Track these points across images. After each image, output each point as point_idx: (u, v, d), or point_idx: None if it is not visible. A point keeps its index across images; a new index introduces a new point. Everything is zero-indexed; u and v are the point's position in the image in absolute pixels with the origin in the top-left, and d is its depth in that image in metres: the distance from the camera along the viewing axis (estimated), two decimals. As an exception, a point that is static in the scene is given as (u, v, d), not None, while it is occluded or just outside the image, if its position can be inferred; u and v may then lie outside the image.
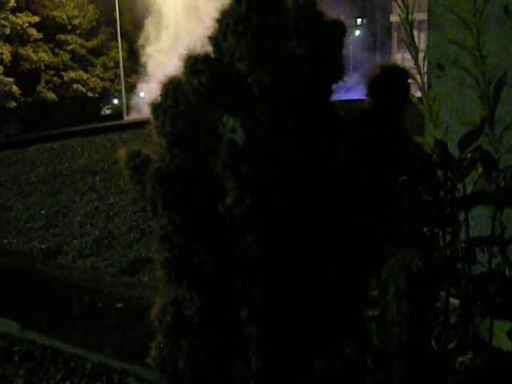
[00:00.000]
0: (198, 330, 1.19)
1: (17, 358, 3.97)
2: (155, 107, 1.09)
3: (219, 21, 1.04)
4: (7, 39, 25.88)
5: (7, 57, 25.51)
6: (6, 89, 24.97)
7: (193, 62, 1.02)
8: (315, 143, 1.10)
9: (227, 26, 1.01)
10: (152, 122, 1.11)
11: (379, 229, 1.29)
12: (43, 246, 6.28)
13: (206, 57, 1.04)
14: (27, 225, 7.15)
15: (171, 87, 1.06)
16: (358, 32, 36.46)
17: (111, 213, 7.44)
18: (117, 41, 27.77)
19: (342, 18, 1.16)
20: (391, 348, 1.11)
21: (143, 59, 28.05)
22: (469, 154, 1.75)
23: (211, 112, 1.05)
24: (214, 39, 1.05)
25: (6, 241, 6.54)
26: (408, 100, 1.17)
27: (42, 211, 7.76)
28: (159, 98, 1.10)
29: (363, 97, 1.23)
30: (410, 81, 1.23)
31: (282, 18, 1.05)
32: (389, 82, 1.14)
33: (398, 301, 1.03)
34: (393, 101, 1.15)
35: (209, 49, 1.07)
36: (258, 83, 1.00)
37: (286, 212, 1.09)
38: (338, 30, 1.12)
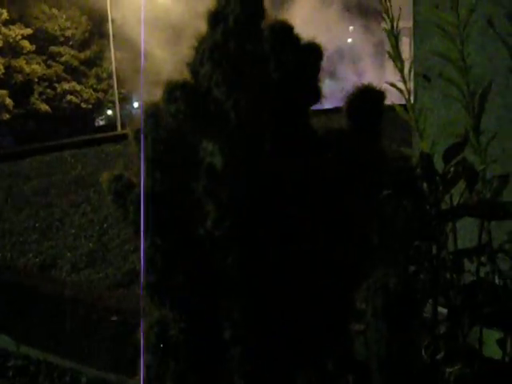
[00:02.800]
0: (182, 350, 1.20)
1: (11, 373, 3.97)
2: (136, 132, 1.11)
3: (196, 48, 1.06)
4: (0, 52, 25.90)
5: (0, 69, 25.52)
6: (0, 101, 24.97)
7: (171, 89, 1.05)
8: (294, 165, 1.12)
9: (203, 53, 1.04)
10: (133, 147, 1.13)
11: (360, 244, 1.31)
12: (37, 260, 6.28)
13: (184, 83, 1.06)
14: (21, 238, 7.15)
15: (151, 113, 1.08)
16: (349, 39, 36.59)
17: (105, 225, 7.44)
18: (110, 52, 27.80)
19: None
20: (372, 364, 1.12)
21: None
22: (452, 168, 1.76)
23: (191, 137, 1.07)
24: (192, 66, 1.08)
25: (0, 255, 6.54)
26: (381, 121, 1.19)
27: (36, 224, 7.76)
28: (139, 124, 1.11)
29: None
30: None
31: (258, 43, 1.07)
32: (365, 104, 1.16)
33: (376, 320, 1.05)
34: (369, 121, 1.17)
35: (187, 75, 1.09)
36: (234, 109, 1.02)
37: (266, 233, 1.11)
38: (315, 54, 1.14)
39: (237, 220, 1.08)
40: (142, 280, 1.14)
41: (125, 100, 28.80)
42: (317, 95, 1.17)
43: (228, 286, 1.12)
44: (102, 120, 30.68)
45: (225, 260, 1.10)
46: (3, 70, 25.39)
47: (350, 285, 1.27)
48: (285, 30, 1.11)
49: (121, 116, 26.62)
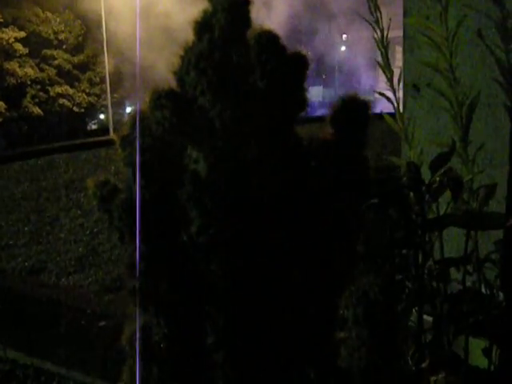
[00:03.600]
0: (165, 356, 1.21)
1: (-2, 378, 3.95)
2: (122, 139, 1.12)
3: (182, 56, 1.07)
4: (-8, 54, 25.83)
5: (-8, 72, 25.46)
6: (-9, 104, 24.90)
7: (157, 97, 1.06)
8: (278, 173, 1.13)
9: (189, 61, 1.05)
10: (119, 153, 1.14)
11: (346, 253, 1.31)
12: (27, 264, 6.24)
13: (170, 91, 1.07)
14: (10, 242, 7.11)
15: (137, 120, 1.09)
16: (343, 48, 36.80)
17: (95, 229, 7.41)
18: (103, 56, 27.77)
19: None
20: (353, 371, 1.13)
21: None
22: (438, 178, 1.78)
23: (176, 144, 1.08)
24: (178, 74, 1.08)
25: (-12, 259, 6.50)
26: (367, 130, 1.20)
27: (26, 228, 7.72)
28: (126, 130, 1.12)
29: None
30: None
31: (244, 53, 1.08)
32: (349, 114, 1.17)
33: (357, 327, 1.06)
34: (353, 132, 1.18)
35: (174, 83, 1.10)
36: (219, 117, 1.04)
37: (250, 240, 1.12)
38: (300, 63, 1.15)
39: (221, 227, 1.08)
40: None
41: (117, 105, 28.80)
42: (303, 104, 1.18)
43: (212, 293, 1.13)
44: (94, 124, 30.65)
45: (208, 266, 1.11)
46: (-4, 73, 25.33)
47: (335, 294, 1.28)
48: (270, 39, 1.12)
49: (113, 120, 26.59)
